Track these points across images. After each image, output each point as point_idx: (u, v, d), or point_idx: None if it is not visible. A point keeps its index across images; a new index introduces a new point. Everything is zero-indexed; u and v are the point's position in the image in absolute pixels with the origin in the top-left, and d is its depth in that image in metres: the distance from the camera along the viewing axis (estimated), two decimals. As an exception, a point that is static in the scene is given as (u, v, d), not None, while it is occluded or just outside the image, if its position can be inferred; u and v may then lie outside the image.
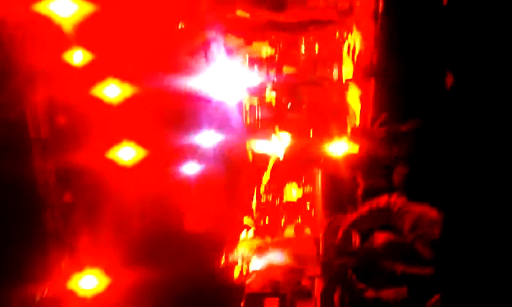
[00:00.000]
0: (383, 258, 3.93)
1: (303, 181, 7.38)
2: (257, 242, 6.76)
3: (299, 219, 7.34)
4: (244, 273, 7.18)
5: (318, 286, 6.36)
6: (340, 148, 5.38)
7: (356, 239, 4.48)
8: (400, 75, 4.61)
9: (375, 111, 5.20)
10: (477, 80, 3.59)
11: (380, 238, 4.03)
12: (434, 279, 3.41)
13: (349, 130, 5.68)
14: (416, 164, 4.06)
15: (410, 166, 4.13)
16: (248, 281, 7.22)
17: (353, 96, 5.70)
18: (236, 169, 7.67)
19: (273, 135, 7.01)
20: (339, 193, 5.89)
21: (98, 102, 7.18)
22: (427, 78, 4.08)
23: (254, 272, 7.12)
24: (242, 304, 7.34)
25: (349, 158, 5.43)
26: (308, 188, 7.29)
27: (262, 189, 7.56)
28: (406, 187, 4.07)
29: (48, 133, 7.04)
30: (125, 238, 7.66)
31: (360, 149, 5.04)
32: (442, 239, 3.50)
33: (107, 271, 7.59)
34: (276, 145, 7.00)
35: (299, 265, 6.81)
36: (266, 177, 7.38)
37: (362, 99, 5.46)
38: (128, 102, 7.27)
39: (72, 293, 7.42)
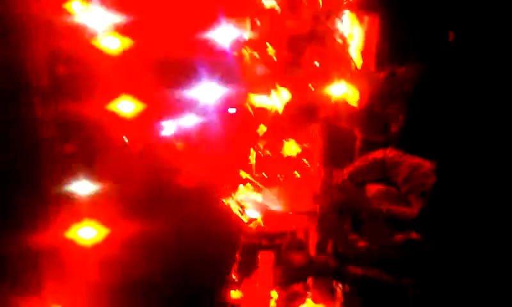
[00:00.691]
0: (374, 208, 3.99)
1: (303, 136, 7.39)
2: (254, 193, 6.81)
3: (298, 174, 7.38)
4: (240, 224, 7.26)
5: (312, 239, 6.45)
6: (339, 94, 5.36)
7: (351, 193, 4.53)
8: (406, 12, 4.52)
9: (379, 53, 5.16)
10: (480, 31, 3.60)
11: (372, 189, 4.09)
12: (423, 231, 3.46)
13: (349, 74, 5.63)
14: (414, 115, 4.09)
15: (408, 118, 4.16)
16: (243, 233, 7.33)
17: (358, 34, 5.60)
18: (235, 123, 7.70)
19: (273, 90, 7.00)
20: (337, 148, 5.94)
21: (99, 52, 7.18)
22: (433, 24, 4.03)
23: (249, 223, 7.21)
24: (237, 255, 7.45)
25: (348, 111, 5.45)
26: (307, 144, 7.31)
27: (261, 144, 7.57)
28: (402, 139, 4.10)
29: (49, 83, 7.05)
30: (125, 190, 7.74)
31: (361, 96, 5.03)
32: (435, 190, 3.54)
33: (106, 222, 7.71)
34: (275, 100, 7.01)
35: (295, 218, 6.88)
36: (265, 131, 7.39)
37: (366, 38, 5.39)
38: (129, 53, 7.26)
39: (70, 243, 7.54)
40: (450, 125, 3.40)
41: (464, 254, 3.19)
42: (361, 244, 3.95)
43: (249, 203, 6.81)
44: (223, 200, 6.91)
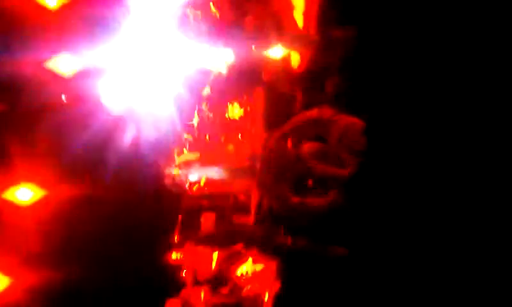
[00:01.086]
0: (307, 165, 4.06)
1: (245, 98, 7.39)
2: (196, 156, 6.79)
3: (240, 136, 7.40)
4: (182, 187, 7.27)
5: (253, 200, 6.52)
6: (280, 56, 5.39)
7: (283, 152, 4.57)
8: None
9: (319, 16, 5.19)
10: None
11: (306, 147, 4.15)
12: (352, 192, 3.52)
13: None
14: (347, 76, 4.14)
15: (341, 78, 4.22)
16: (185, 194, 7.35)
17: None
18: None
19: (214, 48, 6.95)
20: (278, 110, 5.98)
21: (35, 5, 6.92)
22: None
23: (191, 185, 7.23)
24: (179, 218, 7.48)
25: (288, 72, 5.49)
26: (249, 106, 7.32)
27: (204, 106, 7.54)
28: (337, 98, 4.16)
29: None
30: (62, 151, 7.57)
31: (300, 59, 5.07)
32: (366, 148, 3.62)
33: (43, 184, 7.56)
34: (218, 60, 6.96)
35: (236, 180, 6.92)
36: (208, 93, 7.36)
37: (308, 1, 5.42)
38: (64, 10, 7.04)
39: (8, 204, 7.37)
40: (381, 85, 3.46)
41: (391, 220, 3.28)
42: (295, 199, 4.02)
43: (190, 167, 6.80)
44: (164, 165, 6.88)
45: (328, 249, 3.53)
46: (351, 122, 3.82)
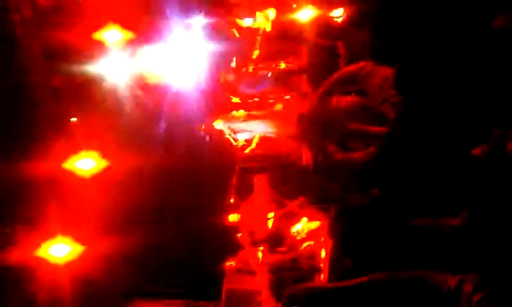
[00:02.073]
0: (348, 120, 4.01)
1: (292, 56, 7.32)
2: (245, 114, 6.80)
3: (288, 96, 7.36)
4: (234, 149, 7.31)
5: (306, 157, 6.48)
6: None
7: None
8: None
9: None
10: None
11: (344, 101, 4.10)
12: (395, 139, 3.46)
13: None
14: (380, 30, 4.03)
15: (374, 32, 4.11)
16: (238, 157, 7.40)
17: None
18: (226, 46, 7.62)
19: (258, 12, 6.88)
20: (324, 67, 5.89)
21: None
22: None
23: (243, 148, 7.26)
24: (233, 180, 7.55)
25: (331, 27, 5.38)
26: (296, 63, 7.25)
27: (251, 67, 7.52)
28: (374, 54, 4.07)
29: (31, 13, 6.95)
30: (117, 122, 7.77)
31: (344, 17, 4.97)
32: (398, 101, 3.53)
33: (104, 154, 7.79)
34: (261, 21, 6.90)
35: (288, 140, 6.90)
36: (256, 52, 7.32)
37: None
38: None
39: (70, 174, 7.65)
40: (411, 37, 3.36)
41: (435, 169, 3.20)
42: (339, 155, 3.99)
43: (240, 128, 6.80)
44: (215, 124, 6.91)
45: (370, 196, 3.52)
46: (389, 73, 3.73)
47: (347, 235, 3.70)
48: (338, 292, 3.21)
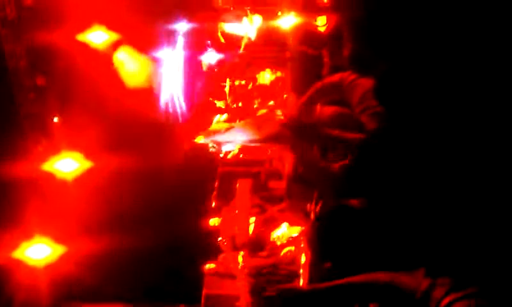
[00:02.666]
0: (330, 128, 4.06)
1: (276, 63, 7.39)
2: (227, 125, 6.82)
3: (272, 102, 7.42)
4: (217, 154, 7.34)
5: (288, 167, 6.53)
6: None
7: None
8: None
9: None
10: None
11: (327, 110, 4.15)
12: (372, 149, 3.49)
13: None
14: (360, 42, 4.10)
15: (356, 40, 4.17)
16: (220, 162, 7.43)
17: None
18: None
19: (244, 17, 6.93)
20: (308, 75, 5.94)
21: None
22: None
23: (226, 153, 7.29)
24: (215, 184, 7.57)
25: (316, 38, 5.45)
26: (280, 72, 7.31)
27: (236, 73, 7.57)
28: (357, 62, 4.12)
29: (15, 14, 6.91)
30: (100, 122, 7.75)
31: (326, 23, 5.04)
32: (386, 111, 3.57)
33: (87, 154, 7.76)
34: (247, 27, 6.95)
35: (270, 146, 6.95)
36: (239, 60, 7.37)
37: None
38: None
39: (50, 175, 7.61)
40: (394, 48, 3.42)
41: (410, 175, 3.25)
42: (322, 164, 4.02)
43: (223, 140, 6.82)
44: (196, 139, 6.94)
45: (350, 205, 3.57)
46: (371, 85, 3.79)
47: (325, 239, 3.75)
48: (314, 294, 3.25)
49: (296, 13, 5.53)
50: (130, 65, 7.45)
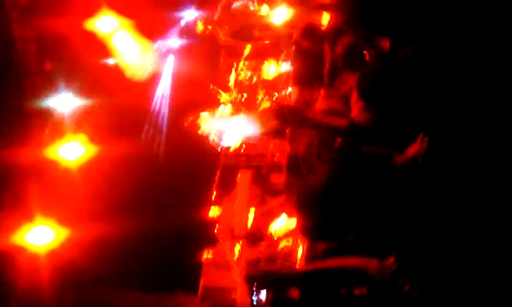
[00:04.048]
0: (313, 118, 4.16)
1: (281, 58, 7.43)
2: (232, 116, 6.88)
3: (276, 96, 7.46)
4: (219, 147, 7.39)
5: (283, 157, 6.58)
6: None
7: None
8: None
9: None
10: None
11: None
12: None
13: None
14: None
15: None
16: (223, 153, 7.48)
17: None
18: (215, 46, 7.70)
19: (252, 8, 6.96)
20: (309, 68, 6.00)
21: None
22: None
23: (228, 145, 7.34)
24: (217, 174, 7.62)
25: (319, 33, 5.50)
26: (285, 66, 7.35)
27: (241, 66, 7.61)
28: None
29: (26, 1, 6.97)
30: (105, 106, 7.81)
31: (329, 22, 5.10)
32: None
33: (92, 139, 7.83)
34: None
35: (272, 139, 7.00)
36: (245, 53, 7.41)
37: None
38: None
39: (54, 162, 7.67)
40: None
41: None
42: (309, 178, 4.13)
43: (226, 129, 6.89)
44: (200, 128, 6.99)
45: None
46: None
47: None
48: (296, 276, 3.36)
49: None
50: (128, 47, 7.48)
